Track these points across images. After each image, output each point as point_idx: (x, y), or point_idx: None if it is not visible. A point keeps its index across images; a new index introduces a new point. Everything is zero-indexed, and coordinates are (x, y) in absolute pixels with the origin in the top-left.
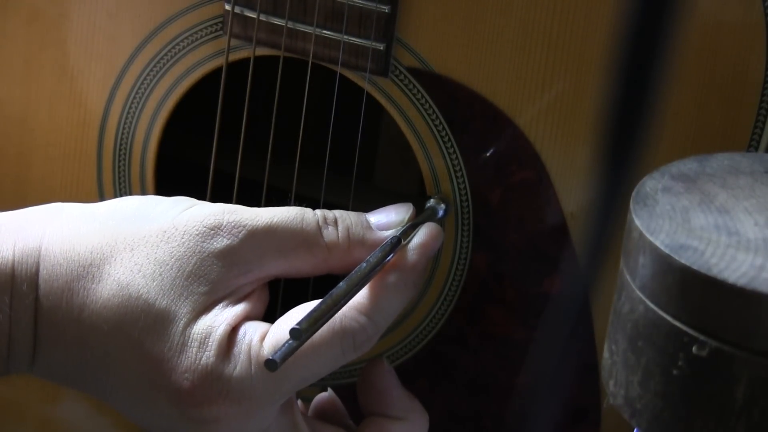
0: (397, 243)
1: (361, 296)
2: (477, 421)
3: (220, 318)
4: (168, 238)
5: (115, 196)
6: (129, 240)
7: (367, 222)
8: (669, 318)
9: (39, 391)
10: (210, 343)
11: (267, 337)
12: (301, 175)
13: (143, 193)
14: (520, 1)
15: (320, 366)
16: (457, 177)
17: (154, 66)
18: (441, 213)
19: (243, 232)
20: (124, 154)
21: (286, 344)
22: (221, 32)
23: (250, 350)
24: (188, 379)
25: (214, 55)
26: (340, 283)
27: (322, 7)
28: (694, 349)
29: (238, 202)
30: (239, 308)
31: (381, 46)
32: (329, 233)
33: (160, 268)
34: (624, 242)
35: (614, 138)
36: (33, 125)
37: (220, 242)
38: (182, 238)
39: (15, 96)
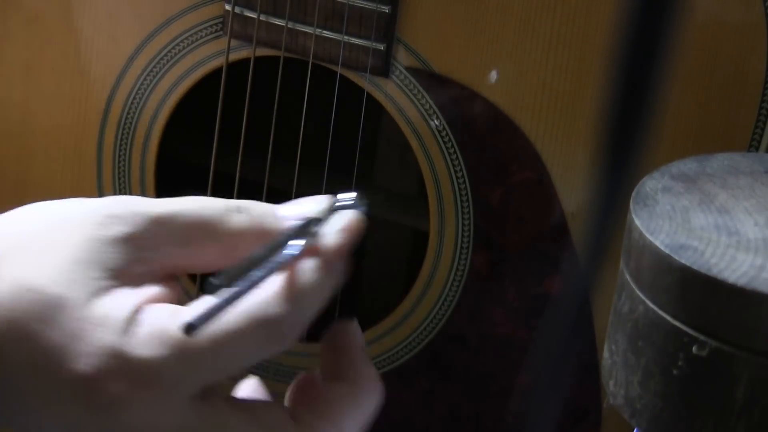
0: (317, 222)
1: (284, 283)
2: (477, 421)
3: (121, 299)
4: (64, 229)
5: (114, 191)
6: (25, 238)
7: (278, 212)
8: (669, 318)
9: None
10: (111, 323)
11: (180, 314)
12: (301, 175)
13: (143, 194)
14: (520, 2)
15: (242, 354)
16: (457, 177)
17: (155, 66)
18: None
19: (141, 219)
20: (124, 154)
21: (204, 308)
22: (221, 32)
23: (159, 329)
24: (88, 364)
25: (215, 56)
26: (259, 248)
27: (322, 7)
28: (694, 349)
29: None
30: (143, 292)
31: (381, 47)
32: (235, 220)
33: (54, 258)
34: (624, 242)
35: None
36: (33, 126)
37: (117, 230)
38: (79, 227)
39: (15, 96)
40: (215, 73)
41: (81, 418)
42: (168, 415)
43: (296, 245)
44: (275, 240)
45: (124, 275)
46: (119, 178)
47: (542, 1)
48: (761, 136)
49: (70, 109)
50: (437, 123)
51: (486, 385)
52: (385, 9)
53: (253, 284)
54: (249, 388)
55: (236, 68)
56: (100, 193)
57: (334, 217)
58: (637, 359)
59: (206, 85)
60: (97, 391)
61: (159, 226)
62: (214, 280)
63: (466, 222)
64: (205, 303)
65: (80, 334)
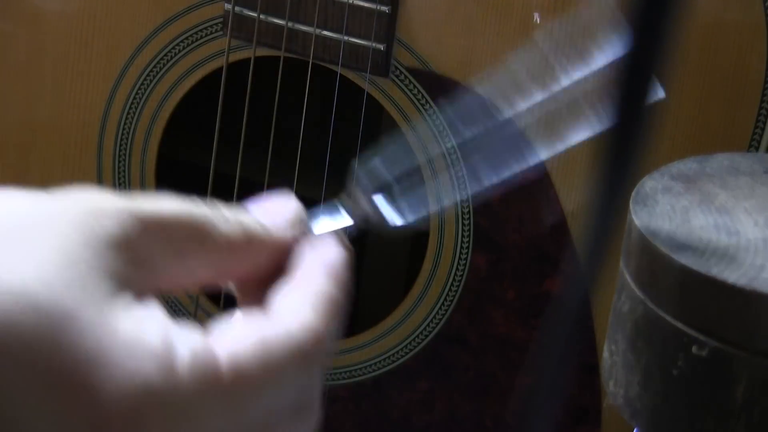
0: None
1: (307, 309)
2: (477, 421)
3: (146, 319)
4: (49, 221)
5: (113, 185)
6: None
7: (261, 220)
8: (669, 318)
9: None
10: (145, 351)
11: (216, 347)
12: (301, 175)
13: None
14: (520, 2)
15: (283, 392)
16: (457, 177)
17: (155, 66)
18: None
19: (130, 219)
20: (124, 154)
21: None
22: (221, 32)
23: (203, 364)
24: (121, 401)
25: (215, 56)
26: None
27: (322, 7)
28: (694, 349)
29: (238, 203)
30: (159, 310)
31: (381, 47)
32: (223, 226)
33: (48, 256)
34: (624, 242)
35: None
36: (33, 125)
37: (110, 230)
38: (67, 223)
39: (15, 96)
40: (215, 73)
41: None
42: None
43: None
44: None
45: (132, 283)
46: (119, 178)
47: (542, 1)
48: (761, 136)
49: (70, 109)
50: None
51: (486, 385)
52: (385, 9)
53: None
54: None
55: (236, 68)
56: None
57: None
58: (637, 359)
59: (206, 85)
60: (122, 430)
61: (148, 228)
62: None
63: (466, 222)
64: (236, 327)
65: (106, 360)
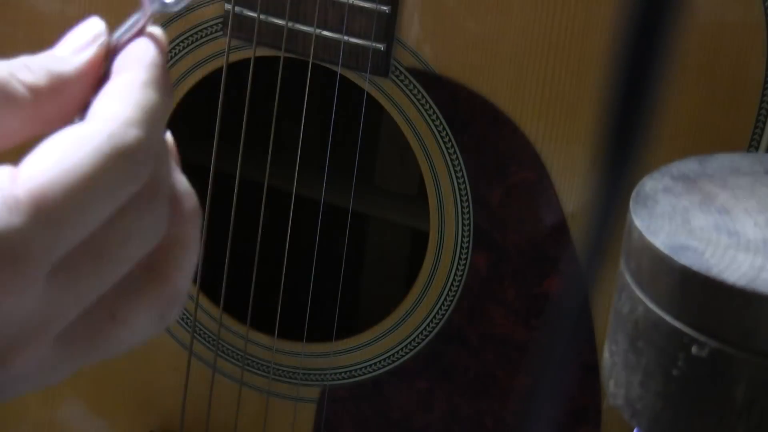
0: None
1: (121, 104)
2: (477, 421)
3: None
4: None
5: None
6: None
7: (57, 53)
8: (669, 318)
9: (39, 392)
10: None
11: (20, 174)
12: (301, 175)
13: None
14: (520, 2)
15: (100, 202)
16: (457, 177)
17: None
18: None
19: None
20: None
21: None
22: (221, 32)
23: (4, 197)
24: None
25: (215, 56)
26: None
27: (322, 7)
28: (693, 349)
29: (238, 203)
30: None
31: (381, 47)
32: (24, 75)
33: None
34: (624, 243)
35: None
36: None
37: None
38: None
39: None
40: (215, 73)
41: None
42: (30, 292)
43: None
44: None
45: None
46: None
47: (542, 1)
48: (761, 136)
49: None
50: None
51: (486, 385)
52: (385, 9)
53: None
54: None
55: (236, 68)
56: None
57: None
58: (638, 359)
59: (206, 85)
60: None
61: None
62: None
63: (466, 222)
64: (43, 145)
65: None
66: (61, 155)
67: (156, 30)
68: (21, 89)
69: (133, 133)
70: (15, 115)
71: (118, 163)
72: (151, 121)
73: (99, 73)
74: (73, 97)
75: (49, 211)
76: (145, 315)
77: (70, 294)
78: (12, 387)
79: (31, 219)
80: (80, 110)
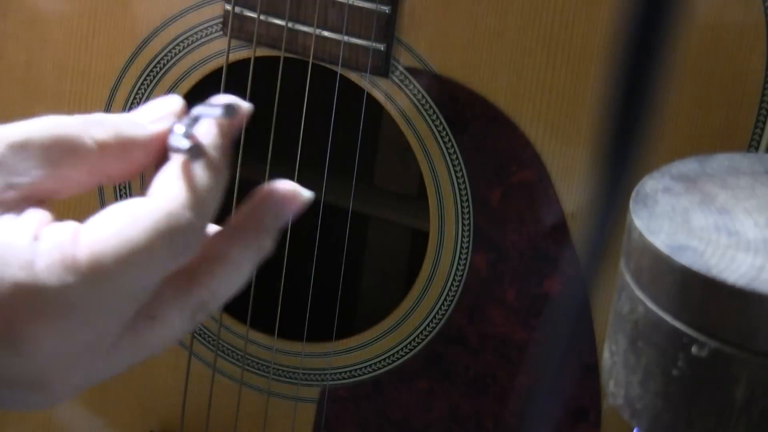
0: (194, 121)
1: (180, 189)
2: (477, 421)
3: (13, 227)
4: None
5: (115, 197)
6: None
7: (133, 119)
8: (669, 318)
9: None
10: (12, 255)
11: (81, 235)
12: (301, 176)
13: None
14: (520, 1)
15: (150, 265)
16: (457, 177)
17: (154, 66)
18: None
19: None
20: None
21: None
22: (221, 32)
23: (63, 255)
24: None
25: (215, 56)
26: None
27: (322, 7)
28: (693, 349)
29: (237, 203)
30: (31, 217)
31: (381, 47)
32: (96, 131)
33: None
34: (624, 243)
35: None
36: None
37: None
38: None
39: (15, 96)
40: (215, 73)
41: None
42: (81, 343)
43: (183, 144)
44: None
45: (1, 203)
46: None
47: (542, 1)
48: (761, 136)
49: (70, 110)
50: None
51: (486, 385)
52: (385, 9)
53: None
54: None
55: (236, 68)
56: (101, 193)
57: (202, 118)
58: (637, 360)
59: (206, 85)
60: (7, 328)
61: (18, 148)
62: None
63: (466, 222)
64: (106, 212)
65: None
66: (122, 227)
67: (226, 121)
68: (90, 144)
69: (187, 215)
70: (81, 167)
71: (170, 241)
72: (204, 204)
73: (164, 145)
74: (137, 160)
75: (102, 277)
76: (178, 314)
77: (115, 319)
78: (66, 396)
79: (84, 280)
80: (141, 171)
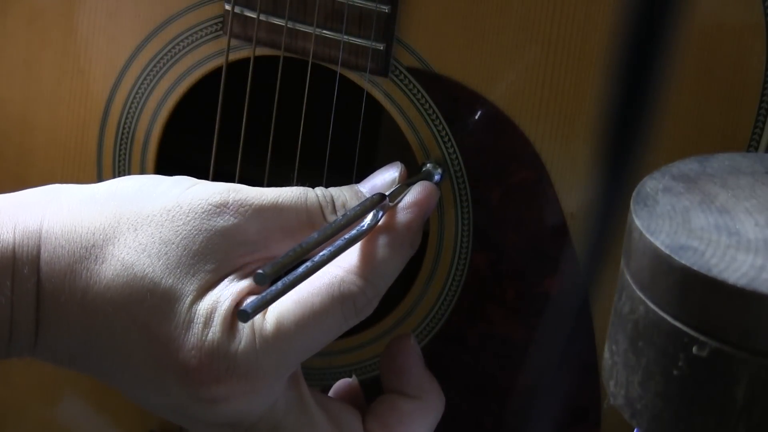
0: (381, 199)
1: (357, 259)
2: (477, 421)
3: (225, 293)
4: (173, 217)
5: (113, 174)
6: (132, 220)
7: (362, 193)
8: (669, 318)
9: (38, 391)
10: (215, 319)
11: (270, 309)
12: (301, 176)
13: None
14: (519, 1)
15: (323, 333)
16: (456, 177)
17: (155, 66)
18: (437, 177)
19: (249, 210)
20: (124, 154)
21: (260, 295)
22: (221, 32)
23: (253, 324)
24: (195, 357)
25: (214, 55)
26: (313, 234)
27: (322, 7)
28: (694, 349)
29: None
30: (243, 284)
31: (381, 46)
32: (330, 212)
33: (166, 247)
34: (624, 242)
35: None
36: (33, 125)
37: (226, 220)
38: (187, 216)
39: (15, 96)
40: (215, 73)
41: (184, 402)
42: (261, 401)
43: (366, 222)
44: (334, 227)
45: (230, 265)
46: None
47: (542, 1)
48: (761, 136)
49: (70, 109)
50: None
51: (486, 385)
52: (385, 9)
53: (311, 269)
54: (346, 387)
55: (236, 68)
56: (99, 174)
57: (408, 191)
58: (638, 360)
59: (206, 85)
60: (200, 383)
61: (264, 217)
62: (262, 270)
63: (466, 222)
64: (298, 291)
65: (189, 328)
66: (301, 292)
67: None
68: (323, 221)
69: (358, 283)
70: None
71: (341, 308)
72: (379, 277)
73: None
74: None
75: (282, 344)
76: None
77: (294, 410)
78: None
79: (269, 346)
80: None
